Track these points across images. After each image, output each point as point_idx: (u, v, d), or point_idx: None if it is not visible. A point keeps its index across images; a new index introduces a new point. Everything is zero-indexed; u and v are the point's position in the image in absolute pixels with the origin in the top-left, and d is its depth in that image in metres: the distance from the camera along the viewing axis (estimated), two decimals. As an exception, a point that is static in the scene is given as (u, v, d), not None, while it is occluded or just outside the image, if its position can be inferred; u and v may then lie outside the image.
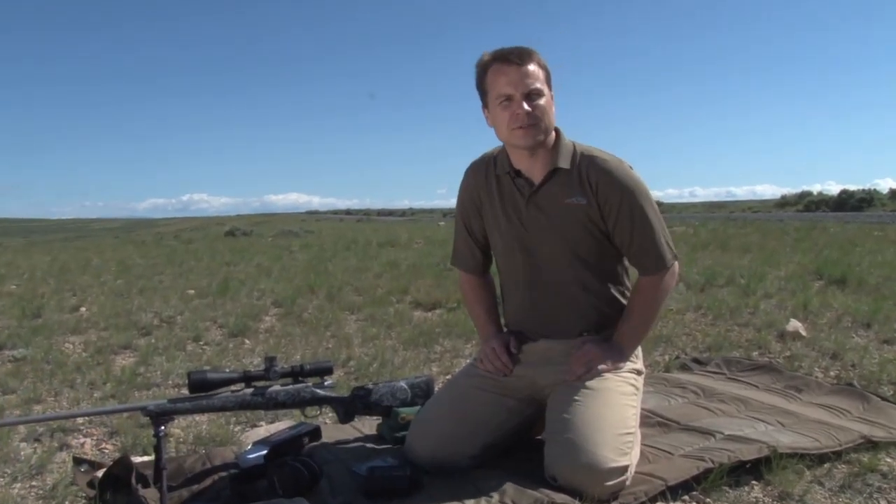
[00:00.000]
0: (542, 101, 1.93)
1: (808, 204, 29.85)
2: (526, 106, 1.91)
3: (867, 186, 29.75)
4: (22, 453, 2.38)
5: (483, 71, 1.99)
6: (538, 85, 1.92)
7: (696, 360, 3.26)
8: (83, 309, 5.68)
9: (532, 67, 1.91)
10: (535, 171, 2.03)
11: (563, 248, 2.03)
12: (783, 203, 34.20)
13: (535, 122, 1.92)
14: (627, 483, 1.82)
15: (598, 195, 1.97)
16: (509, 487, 1.80)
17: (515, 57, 1.91)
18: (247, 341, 4.26)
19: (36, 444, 2.48)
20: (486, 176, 2.14)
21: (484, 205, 2.16)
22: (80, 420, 2.68)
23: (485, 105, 2.03)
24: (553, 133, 2.01)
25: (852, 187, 29.41)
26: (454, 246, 2.32)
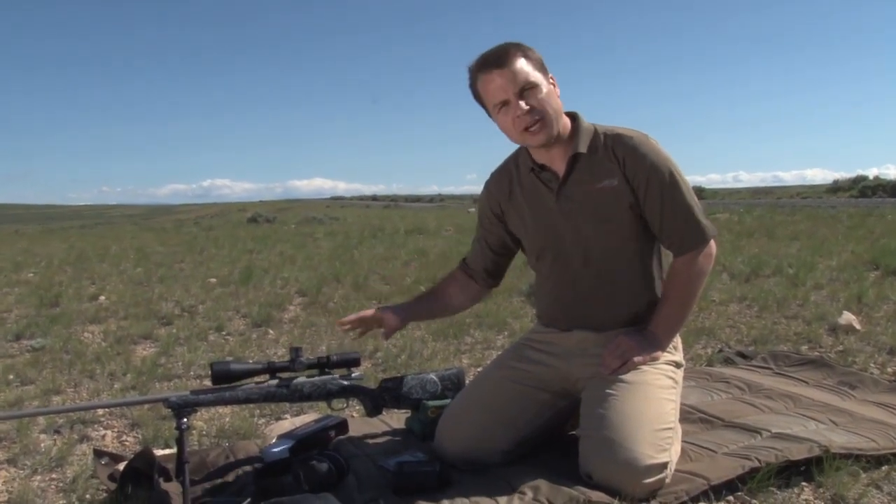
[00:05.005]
0: (539, 94, 1.93)
1: (864, 189, 29.23)
2: (524, 105, 1.91)
3: (929, 170, 29.04)
4: (42, 445, 2.44)
5: (473, 84, 2.01)
6: (529, 79, 1.91)
7: (741, 354, 3.23)
8: (102, 298, 5.79)
9: (517, 65, 1.91)
10: (556, 161, 2.03)
11: (597, 238, 2.03)
12: (836, 188, 33.56)
13: (540, 117, 1.92)
14: (667, 481, 1.81)
15: (627, 171, 1.97)
16: (543, 485, 1.80)
17: (495, 61, 1.92)
18: (271, 331, 4.31)
19: (56, 436, 2.54)
20: (511, 183, 2.16)
21: (507, 212, 2.18)
22: (100, 412, 2.74)
23: (489, 114, 2.04)
24: (566, 119, 2.01)
25: (912, 171, 28.71)
26: (472, 247, 2.34)
